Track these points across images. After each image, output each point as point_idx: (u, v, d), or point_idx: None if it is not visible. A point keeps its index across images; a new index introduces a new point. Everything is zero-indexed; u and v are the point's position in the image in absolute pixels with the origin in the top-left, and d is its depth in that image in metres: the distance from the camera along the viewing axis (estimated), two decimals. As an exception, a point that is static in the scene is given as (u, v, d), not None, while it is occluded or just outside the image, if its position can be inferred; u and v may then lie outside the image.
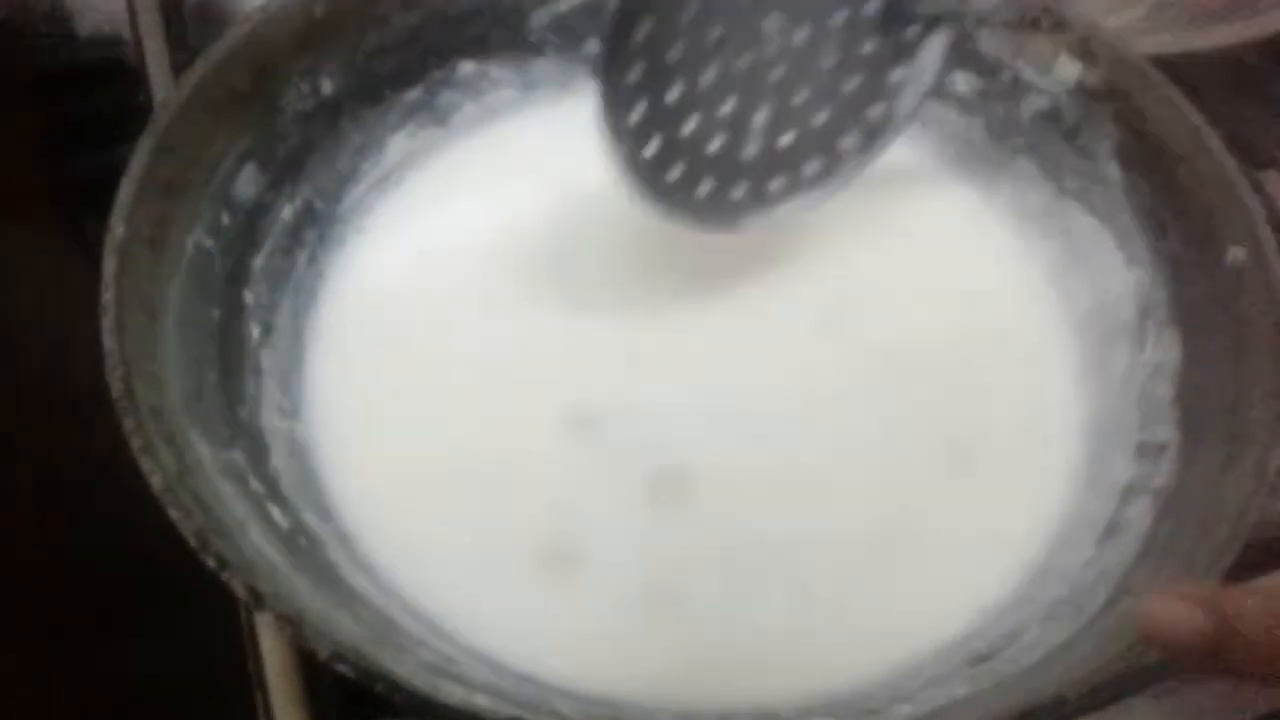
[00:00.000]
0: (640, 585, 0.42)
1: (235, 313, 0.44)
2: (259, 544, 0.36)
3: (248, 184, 0.46)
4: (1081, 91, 0.49)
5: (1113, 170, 0.48)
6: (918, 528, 0.43)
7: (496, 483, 0.44)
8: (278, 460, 0.42)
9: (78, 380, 0.38)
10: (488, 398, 0.45)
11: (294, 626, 0.31)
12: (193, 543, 0.32)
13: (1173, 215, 0.45)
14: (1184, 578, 0.35)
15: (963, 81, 0.52)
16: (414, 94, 0.52)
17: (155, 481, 0.33)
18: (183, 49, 0.64)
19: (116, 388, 0.35)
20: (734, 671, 0.40)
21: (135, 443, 0.34)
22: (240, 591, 0.32)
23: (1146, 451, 0.42)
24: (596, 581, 0.42)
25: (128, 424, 0.34)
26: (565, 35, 0.54)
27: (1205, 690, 0.43)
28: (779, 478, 0.44)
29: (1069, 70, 0.49)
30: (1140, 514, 0.40)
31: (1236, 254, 0.42)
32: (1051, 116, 0.50)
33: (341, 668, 0.30)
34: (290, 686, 0.41)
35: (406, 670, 0.32)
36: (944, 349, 0.48)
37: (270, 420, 0.43)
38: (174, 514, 0.33)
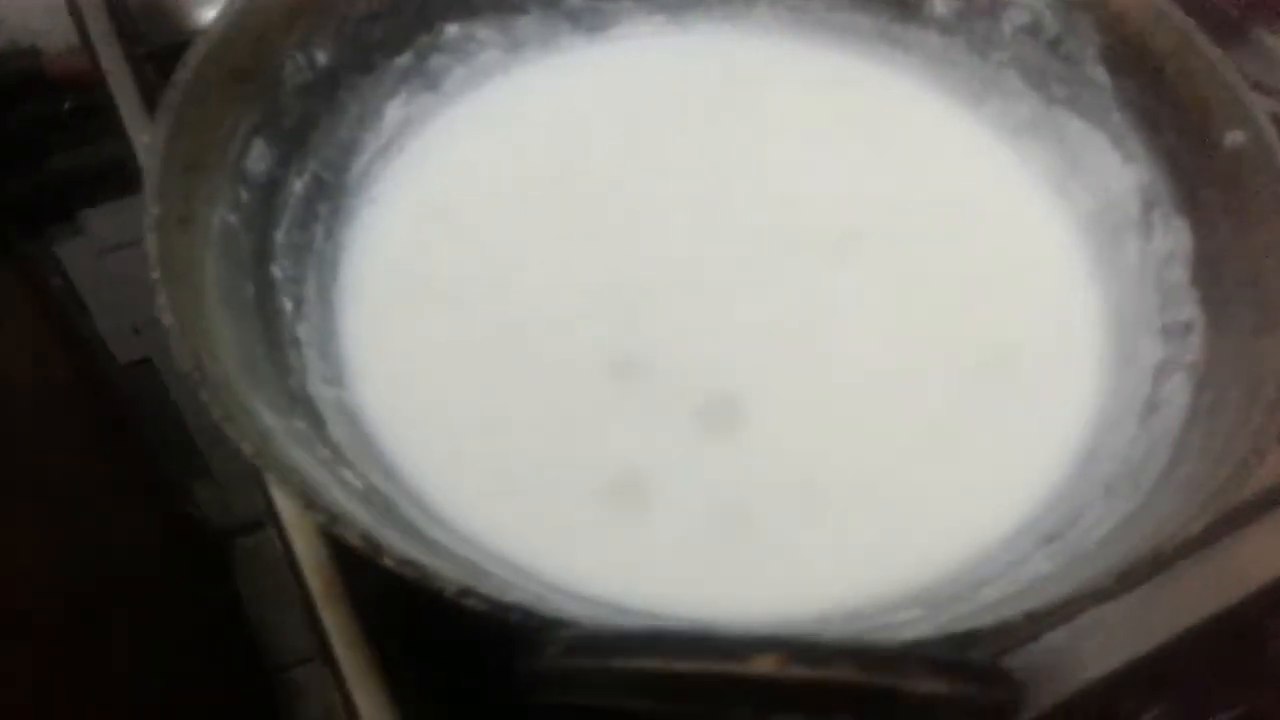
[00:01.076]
0: (710, 508, 0.42)
1: (266, 288, 0.43)
2: (341, 499, 0.36)
3: (259, 160, 0.45)
4: (1061, 3, 0.50)
5: (1099, 74, 0.50)
6: (966, 427, 0.44)
7: (547, 427, 0.44)
8: (334, 428, 0.41)
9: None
10: (526, 346, 0.46)
11: (416, 569, 0.31)
12: (300, 501, 0.32)
13: (1165, 110, 0.47)
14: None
15: (941, 3, 0.54)
16: (404, 60, 0.52)
17: (246, 448, 0.33)
18: (136, 44, 0.63)
19: (186, 361, 0.34)
20: (814, 584, 0.41)
21: (216, 413, 0.33)
22: (354, 540, 0.31)
23: (1172, 332, 0.44)
24: (665, 510, 0.42)
25: (205, 394, 0.34)
26: (546, -9, 0.54)
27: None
28: (827, 393, 0.45)
29: (1047, -17, 0.50)
30: (1178, 389, 0.42)
31: (1235, 137, 0.44)
32: (1032, 29, 0.52)
33: (471, 602, 0.30)
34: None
35: (524, 597, 0.32)
36: (957, 261, 0.50)
37: (318, 389, 0.42)
38: (272, 477, 0.33)
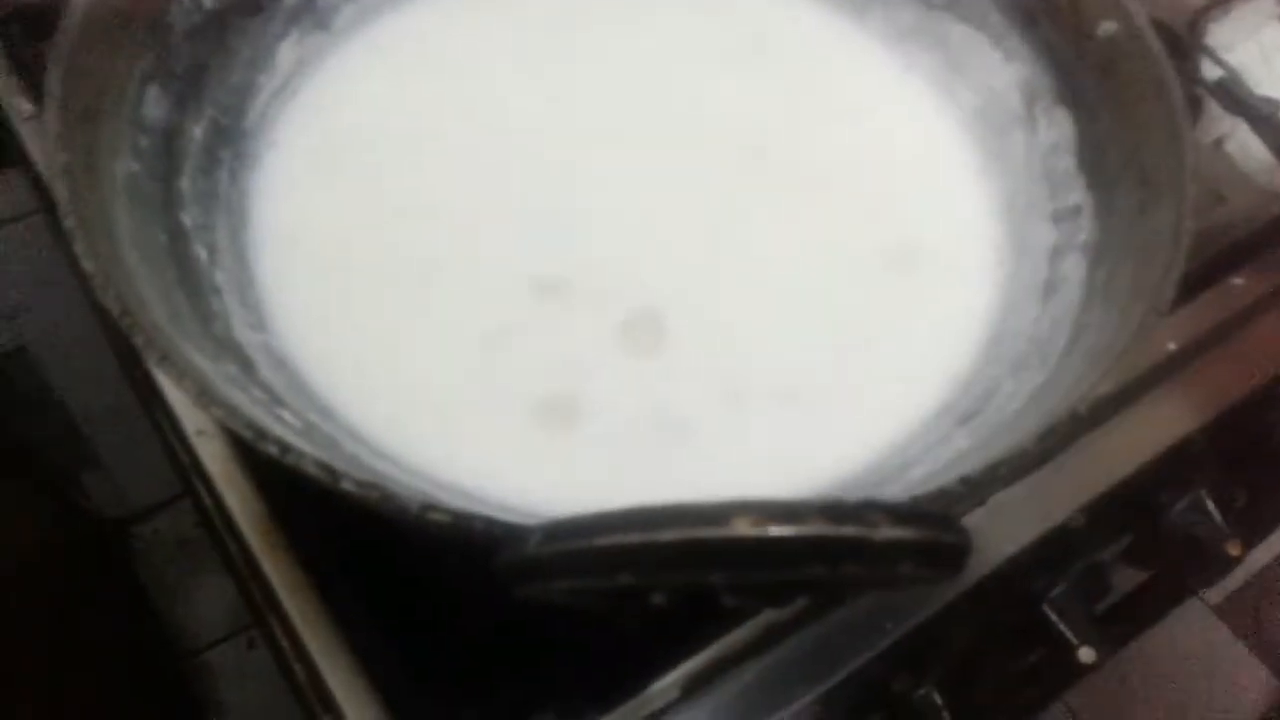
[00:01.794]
0: (639, 420, 0.43)
1: (179, 236, 0.43)
2: (291, 439, 0.36)
3: (154, 106, 0.44)
4: (930, -91, 0.52)
5: (975, -23, 0.51)
6: (877, 321, 0.46)
7: (476, 354, 0.44)
8: (265, 371, 0.41)
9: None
10: (446, 276, 0.46)
11: (378, 490, 0.31)
12: (248, 435, 0.32)
13: (1040, 7, 0.49)
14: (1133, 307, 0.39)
15: (816, -82, 0.55)
16: (292, 1, 0.51)
17: (188, 387, 0.33)
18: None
19: (114, 306, 0.34)
20: (748, 486, 0.42)
21: (151, 356, 0.33)
22: (311, 468, 0.32)
23: (1063, 216, 0.47)
24: (596, 425, 0.43)
25: (139, 340, 0.33)
26: (429, -79, 0.54)
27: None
28: (744, 302, 0.46)
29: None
30: (1074, 268, 0.44)
31: (1107, 27, 0.46)
32: (910, -62, 0.53)
33: (436, 516, 0.31)
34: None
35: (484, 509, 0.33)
36: (854, 167, 0.52)
37: (244, 335, 0.42)
38: (217, 413, 0.32)
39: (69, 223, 0.36)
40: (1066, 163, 0.48)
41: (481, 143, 0.50)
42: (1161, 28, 0.67)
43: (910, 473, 0.40)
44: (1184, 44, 0.69)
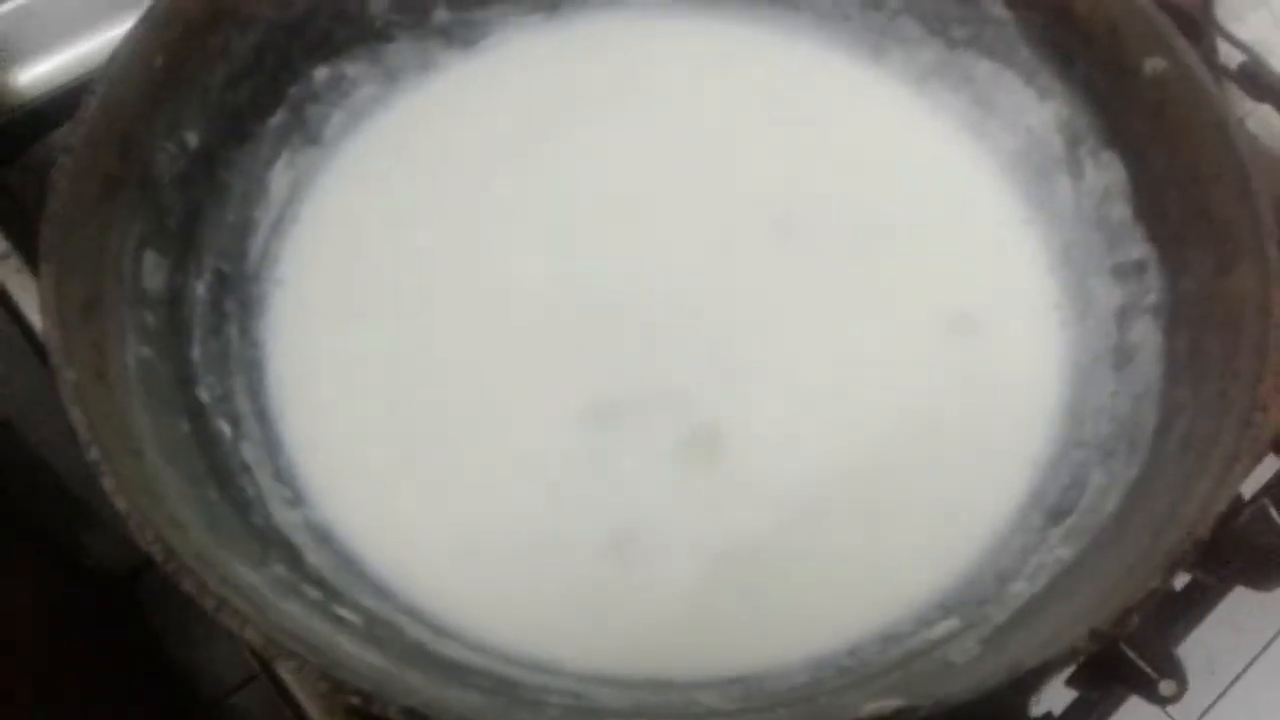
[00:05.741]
0: (712, 549, 0.41)
1: (199, 416, 0.40)
2: (354, 652, 0.33)
3: (154, 273, 0.41)
4: (948, -59, 0.49)
5: (998, 10, 0.48)
6: (943, 400, 0.44)
7: (529, 499, 0.42)
8: (311, 556, 0.38)
9: None
10: (488, 411, 0.43)
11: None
12: (322, 687, 0.30)
13: (1075, 41, 0.46)
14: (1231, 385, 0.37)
15: (823, -41, 0.52)
16: (278, 118, 0.48)
17: (251, 635, 0.30)
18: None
19: (156, 551, 0.31)
20: (837, 612, 0.40)
21: (209, 603, 0.31)
22: (394, 716, 0.29)
23: (1125, 272, 0.44)
24: (666, 557, 0.41)
25: (189, 584, 0.31)
26: (410, 12, 0.50)
27: None
28: (799, 398, 0.44)
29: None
30: (1147, 334, 0.42)
31: (1155, 64, 0.43)
32: (922, -29, 0.50)
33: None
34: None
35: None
36: (888, 224, 0.49)
37: (283, 516, 0.39)
38: (287, 662, 0.30)
39: (92, 455, 0.33)
40: (1121, 211, 0.45)
41: (497, 249, 0.47)
42: (1172, 8, 0.64)
43: (1011, 587, 0.38)
44: (1198, 25, 0.66)
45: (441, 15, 0.51)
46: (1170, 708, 0.60)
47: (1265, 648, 1.12)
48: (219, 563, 0.33)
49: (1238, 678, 1.10)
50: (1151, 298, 0.43)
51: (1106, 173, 0.46)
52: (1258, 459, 0.50)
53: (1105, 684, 0.58)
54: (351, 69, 0.50)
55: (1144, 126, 0.44)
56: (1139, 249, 0.44)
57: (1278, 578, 0.61)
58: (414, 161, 0.50)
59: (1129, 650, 0.56)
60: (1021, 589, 0.37)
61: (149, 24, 0.41)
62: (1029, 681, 0.30)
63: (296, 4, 0.47)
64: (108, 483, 0.32)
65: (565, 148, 0.50)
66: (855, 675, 0.37)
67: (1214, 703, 1.08)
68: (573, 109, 0.52)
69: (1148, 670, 0.56)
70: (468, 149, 0.50)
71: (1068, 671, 0.51)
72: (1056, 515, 0.40)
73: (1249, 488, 0.56)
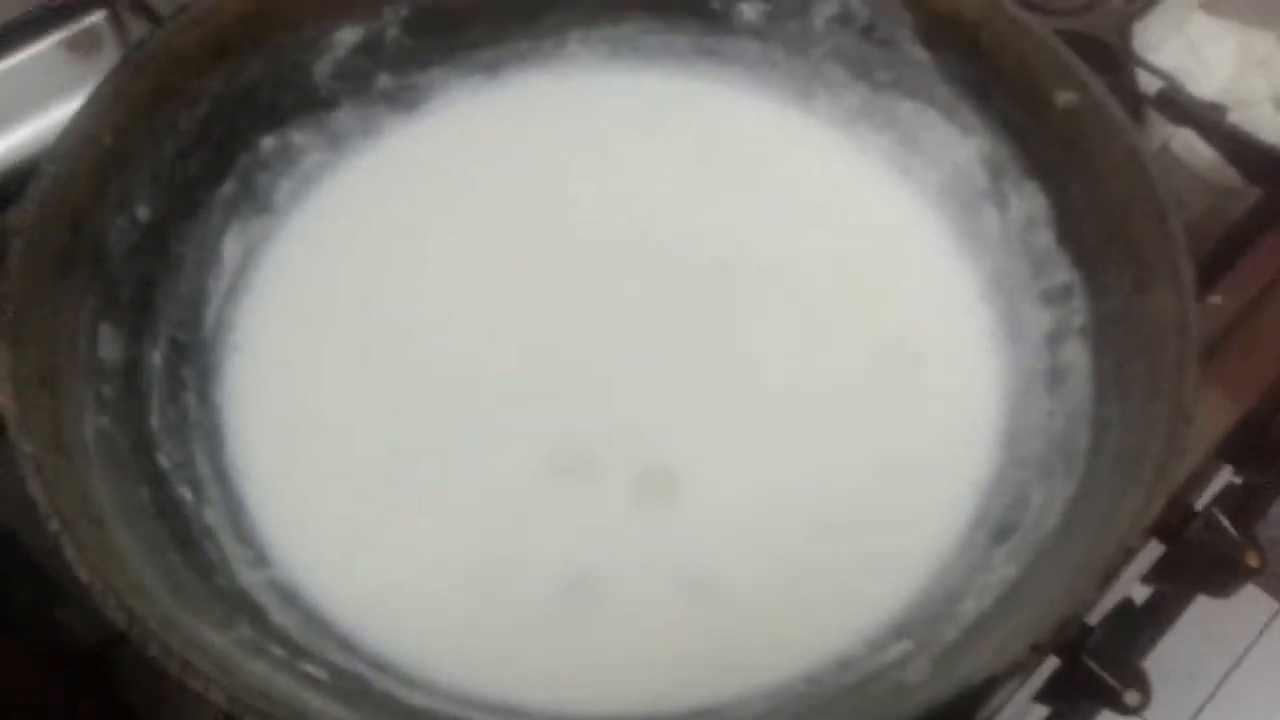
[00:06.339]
0: (671, 587, 0.42)
1: (160, 482, 0.41)
2: (321, 707, 0.34)
3: (109, 345, 0.42)
4: (866, -13, 0.51)
5: (918, 53, 0.50)
6: (888, 429, 0.46)
7: (487, 547, 0.43)
8: (276, 615, 0.39)
9: None
10: (444, 462, 0.44)
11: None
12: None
13: (990, 78, 0.48)
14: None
15: (749, 9, 0.54)
16: (228, 188, 0.49)
17: (216, 696, 0.31)
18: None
19: (120, 619, 0.32)
20: (793, 641, 0.41)
21: (173, 667, 0.31)
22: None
23: (1053, 297, 0.46)
24: (626, 597, 0.42)
25: (154, 648, 0.31)
26: (353, 79, 0.52)
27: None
28: (749, 432, 0.45)
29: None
30: (1077, 355, 0.44)
31: (1066, 98, 0.46)
32: (844, 19, 0.52)
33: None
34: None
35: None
36: (824, 261, 0.50)
37: (246, 577, 0.40)
38: (253, 720, 0.31)
39: (54, 525, 0.34)
40: (1046, 238, 0.47)
41: (445, 313, 0.48)
42: (1091, 41, 0.67)
43: (960, 606, 0.39)
44: (1117, 55, 0.69)
45: (384, 81, 0.52)
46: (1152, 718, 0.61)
47: (1244, 654, 1.14)
48: (184, 626, 0.34)
49: (1219, 685, 1.12)
50: (1079, 320, 0.44)
51: (1029, 202, 0.48)
52: (1191, 469, 0.52)
53: (1071, 698, 0.60)
54: (298, 137, 0.51)
55: (1061, 157, 0.46)
56: (1064, 274, 0.46)
57: (1234, 585, 0.63)
58: (363, 224, 0.51)
59: (1091, 663, 0.57)
60: (970, 607, 0.39)
61: (97, 103, 0.42)
62: (977, 695, 0.31)
63: (242, 76, 0.48)
64: (69, 552, 0.33)
65: (510, 203, 0.52)
66: (812, 702, 0.38)
67: (1198, 712, 1.10)
68: (514, 165, 0.53)
69: (1111, 682, 0.57)
70: (416, 209, 0.51)
71: (1034, 687, 0.52)
72: (1001, 534, 0.41)
73: (1201, 499, 0.58)
